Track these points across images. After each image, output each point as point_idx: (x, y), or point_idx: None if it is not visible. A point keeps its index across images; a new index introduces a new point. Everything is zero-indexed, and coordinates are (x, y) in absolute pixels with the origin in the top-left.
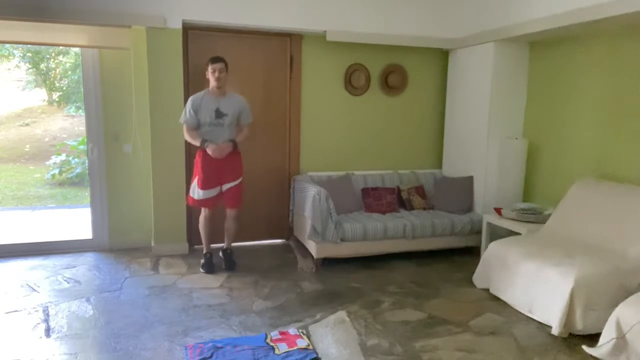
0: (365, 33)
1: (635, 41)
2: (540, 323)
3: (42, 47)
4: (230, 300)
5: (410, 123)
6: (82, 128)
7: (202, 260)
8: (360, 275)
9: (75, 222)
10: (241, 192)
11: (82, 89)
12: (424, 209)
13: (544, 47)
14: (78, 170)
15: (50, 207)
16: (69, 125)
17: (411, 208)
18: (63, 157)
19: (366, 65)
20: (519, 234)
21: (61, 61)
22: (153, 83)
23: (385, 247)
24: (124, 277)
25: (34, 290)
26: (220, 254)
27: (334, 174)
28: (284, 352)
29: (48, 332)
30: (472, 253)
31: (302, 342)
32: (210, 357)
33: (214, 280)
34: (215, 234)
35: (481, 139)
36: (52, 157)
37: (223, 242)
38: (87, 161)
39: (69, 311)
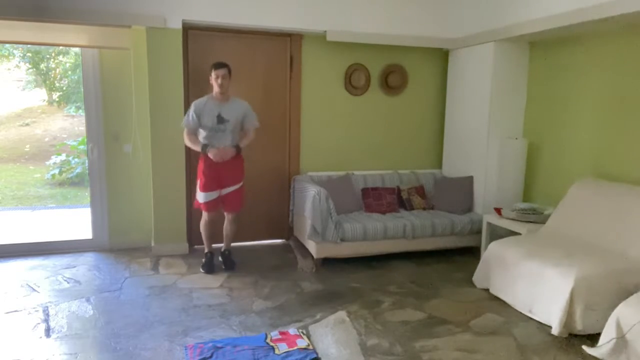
0: (365, 33)
1: (635, 41)
2: (540, 323)
3: (42, 47)
4: (230, 300)
5: (410, 123)
6: (82, 128)
7: (203, 260)
8: (360, 275)
9: (75, 222)
10: (241, 197)
11: (82, 89)
12: (424, 209)
13: (544, 47)
14: (78, 170)
15: (50, 207)
16: (69, 125)
17: (411, 208)
18: (63, 157)
19: (366, 65)
20: (519, 234)
21: (61, 61)
22: (153, 83)
23: (385, 247)
24: (124, 277)
25: (34, 290)
26: (220, 257)
27: (334, 174)
28: (284, 352)
29: (48, 332)
30: (472, 253)
31: (302, 342)
32: (210, 357)
33: (214, 280)
34: (216, 235)
35: (481, 139)
36: (52, 157)
37: (221, 242)
38: (87, 161)
39: (69, 311)
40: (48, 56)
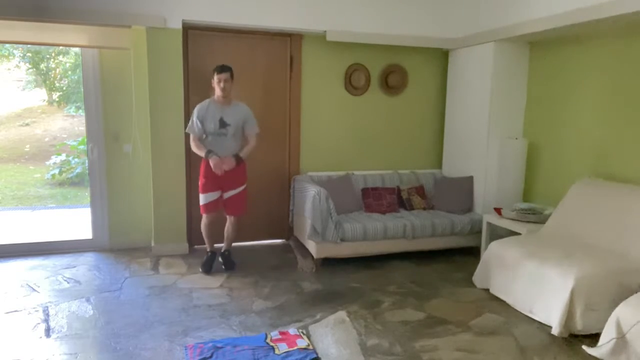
0: (365, 33)
1: (635, 41)
2: (541, 323)
3: (42, 47)
4: (230, 300)
5: (410, 123)
6: (82, 128)
7: (204, 259)
8: (360, 275)
9: (75, 222)
10: (243, 200)
11: (82, 89)
12: (424, 209)
13: (544, 47)
14: (78, 170)
15: (50, 207)
16: (69, 125)
17: (411, 208)
18: (63, 157)
19: (366, 65)
20: (519, 234)
21: (61, 61)
22: (153, 83)
23: (385, 247)
24: (124, 277)
25: (34, 290)
26: (220, 257)
27: (334, 174)
28: (284, 352)
29: (48, 332)
30: (472, 253)
31: (302, 342)
32: (210, 357)
33: (214, 280)
34: (217, 235)
35: (481, 139)
36: (52, 157)
37: (222, 243)
38: (87, 161)
39: (69, 311)
40: (48, 56)
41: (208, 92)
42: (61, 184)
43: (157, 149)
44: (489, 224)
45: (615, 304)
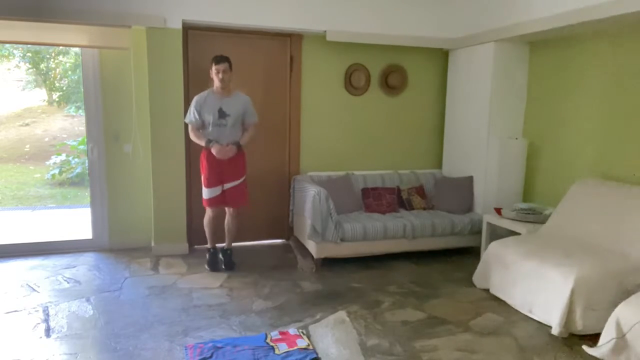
0: (365, 33)
1: (635, 41)
2: (540, 323)
3: (42, 47)
4: (230, 300)
5: (410, 123)
6: (82, 128)
7: (207, 257)
8: (360, 275)
9: (75, 222)
10: (243, 192)
11: (82, 89)
12: (424, 209)
13: (544, 47)
14: (78, 170)
15: (50, 207)
16: (69, 125)
17: (411, 208)
18: (63, 157)
19: (366, 65)
20: (519, 234)
21: (61, 61)
22: (153, 83)
23: (385, 247)
24: (124, 277)
25: (34, 290)
26: (220, 255)
27: (334, 174)
28: (284, 352)
29: (48, 332)
30: (472, 253)
31: (302, 342)
32: (210, 357)
33: (214, 280)
34: (219, 233)
35: (481, 139)
36: (52, 157)
37: (224, 241)
38: (87, 161)
39: (69, 311)
40: (48, 56)
41: (208, 87)
42: (61, 184)
43: (157, 149)
44: (489, 224)
45: (615, 304)
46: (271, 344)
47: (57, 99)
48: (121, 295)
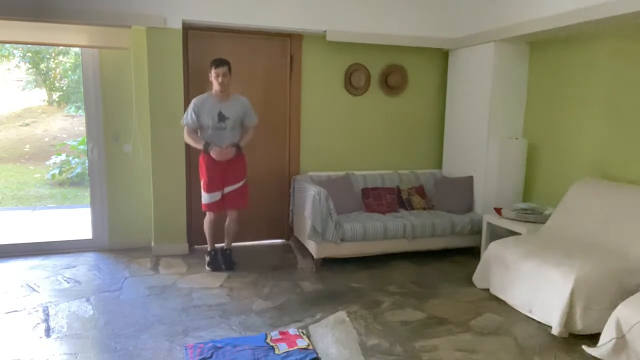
0: (365, 33)
1: (635, 41)
2: (540, 323)
3: (42, 47)
4: (230, 300)
5: (410, 123)
6: (82, 128)
7: (208, 259)
8: (360, 275)
9: (75, 222)
10: (244, 195)
11: (82, 89)
12: (424, 209)
13: (544, 47)
14: (78, 170)
15: (50, 207)
16: (69, 125)
17: (411, 208)
18: (63, 157)
19: (366, 65)
20: (519, 234)
21: (61, 61)
22: (153, 83)
23: (385, 247)
24: (124, 277)
25: (34, 290)
26: (219, 254)
27: (334, 174)
28: (284, 352)
29: (48, 332)
30: (472, 253)
31: (302, 342)
32: (210, 357)
33: (214, 280)
34: (219, 235)
35: (481, 139)
36: (52, 157)
37: (224, 242)
38: (87, 161)
39: (69, 311)
40: (48, 56)
41: (207, 89)
42: (61, 184)
43: (157, 149)
44: (489, 224)
45: (615, 304)
46: (271, 344)
47: (57, 99)
48: (121, 295)
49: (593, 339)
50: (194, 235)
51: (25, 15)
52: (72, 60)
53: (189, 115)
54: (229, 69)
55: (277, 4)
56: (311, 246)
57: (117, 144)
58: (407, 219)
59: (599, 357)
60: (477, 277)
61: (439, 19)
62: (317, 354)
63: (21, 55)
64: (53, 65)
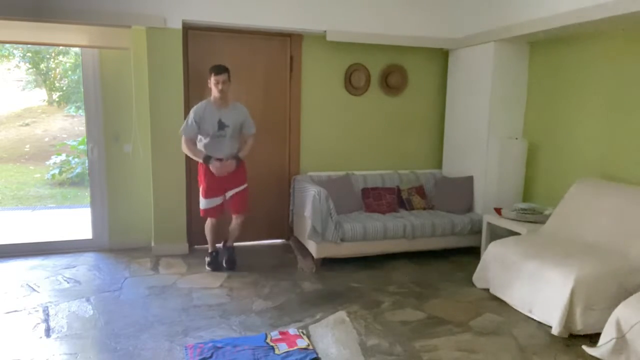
0: (365, 33)
1: (635, 41)
2: (540, 323)
3: (42, 47)
4: (230, 300)
5: (410, 123)
6: (82, 128)
7: (208, 259)
8: (360, 275)
9: (75, 222)
10: (246, 198)
11: (82, 89)
12: (424, 209)
13: (544, 47)
14: (78, 170)
15: (50, 207)
16: (69, 125)
17: (411, 208)
18: (63, 157)
19: (366, 65)
20: (519, 234)
21: (61, 61)
22: (153, 83)
23: (385, 247)
24: (124, 277)
25: (34, 290)
26: (222, 251)
27: (334, 174)
28: (284, 352)
29: (48, 332)
30: (472, 253)
31: (302, 342)
32: (210, 357)
33: (214, 280)
34: (219, 237)
35: (481, 139)
36: (52, 157)
37: (225, 241)
38: (87, 161)
39: (69, 311)
40: (48, 56)
41: (207, 92)
42: (61, 184)
43: (157, 149)
44: (489, 224)
45: (615, 304)
46: (271, 344)
47: (57, 99)
48: (121, 295)
49: (593, 339)
50: (194, 235)
51: (25, 15)
52: (72, 60)
53: (190, 125)
54: (229, 76)
55: (277, 4)
56: (311, 246)
57: (117, 144)
58: (407, 219)
59: (599, 357)
60: (477, 277)
61: (439, 19)
62: (317, 354)
63: (21, 55)
64: (53, 65)
